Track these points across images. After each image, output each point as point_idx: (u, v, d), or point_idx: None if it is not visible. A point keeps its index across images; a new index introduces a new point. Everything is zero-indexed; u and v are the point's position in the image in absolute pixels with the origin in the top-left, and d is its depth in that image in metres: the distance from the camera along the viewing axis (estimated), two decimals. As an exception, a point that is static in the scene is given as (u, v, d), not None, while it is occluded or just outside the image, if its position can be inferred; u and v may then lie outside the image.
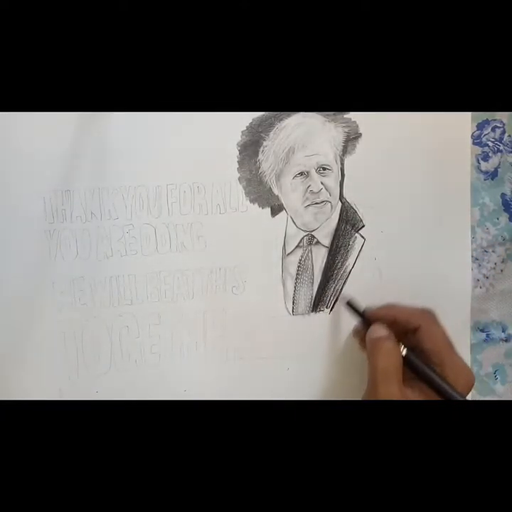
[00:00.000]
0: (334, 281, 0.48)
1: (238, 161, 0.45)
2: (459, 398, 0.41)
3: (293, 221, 0.47)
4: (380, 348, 0.42)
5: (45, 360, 0.44)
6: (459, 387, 0.41)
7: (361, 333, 0.45)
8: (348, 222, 0.48)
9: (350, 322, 0.48)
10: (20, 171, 0.42)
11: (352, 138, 0.47)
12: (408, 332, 0.44)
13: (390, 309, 0.45)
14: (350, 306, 0.46)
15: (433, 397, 0.42)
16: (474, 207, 0.49)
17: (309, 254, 0.47)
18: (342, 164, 0.47)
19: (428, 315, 0.44)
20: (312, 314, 0.48)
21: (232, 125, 0.45)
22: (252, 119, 0.45)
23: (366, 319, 0.45)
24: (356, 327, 0.47)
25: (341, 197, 0.47)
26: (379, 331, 0.43)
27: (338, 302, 0.47)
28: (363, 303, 0.46)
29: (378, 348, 0.43)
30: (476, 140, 0.49)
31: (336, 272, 0.48)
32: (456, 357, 0.43)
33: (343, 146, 0.47)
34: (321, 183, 0.47)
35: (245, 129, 0.45)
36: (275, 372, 0.48)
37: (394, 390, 0.41)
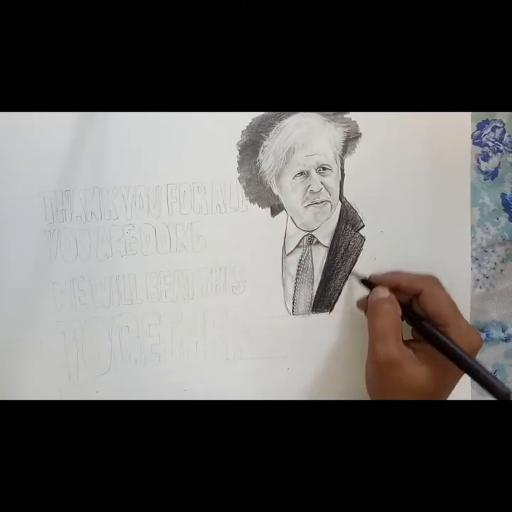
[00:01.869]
0: (334, 281, 0.48)
1: (238, 161, 0.45)
2: (465, 357, 0.41)
3: (293, 221, 0.47)
4: (379, 309, 0.43)
5: (45, 360, 0.44)
6: (464, 349, 0.41)
7: (365, 303, 0.45)
8: (348, 222, 0.48)
9: (350, 322, 0.48)
10: (20, 171, 0.42)
11: (352, 138, 0.47)
12: (412, 298, 0.44)
13: (394, 275, 0.45)
14: (360, 280, 0.46)
15: (438, 360, 0.41)
16: (474, 207, 0.49)
17: (309, 254, 0.47)
18: (342, 164, 0.47)
19: (431, 279, 0.44)
20: (312, 314, 0.48)
21: (232, 125, 0.45)
22: (252, 119, 0.45)
23: (371, 285, 0.45)
24: (360, 299, 0.47)
25: (341, 197, 0.47)
26: (380, 292, 0.44)
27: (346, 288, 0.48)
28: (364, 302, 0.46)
29: (377, 309, 0.43)
30: (476, 140, 0.49)
31: (335, 271, 0.48)
32: (461, 319, 0.43)
33: (343, 145, 0.47)
34: (321, 182, 0.47)
35: (245, 129, 0.45)
36: (275, 372, 0.48)
37: (392, 349, 0.41)
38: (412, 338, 0.45)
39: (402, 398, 0.41)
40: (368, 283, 0.46)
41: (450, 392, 0.44)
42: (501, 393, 0.40)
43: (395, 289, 0.44)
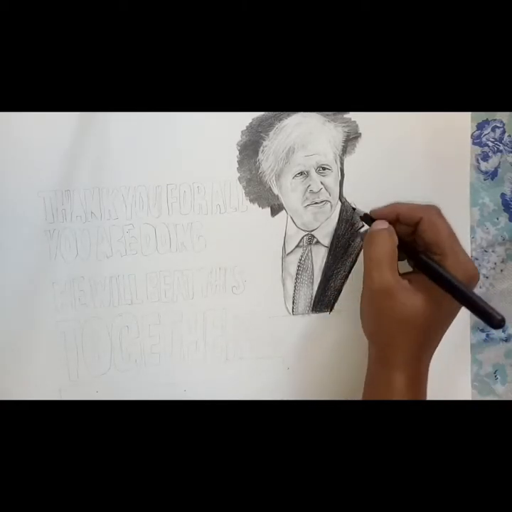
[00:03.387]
0: (334, 281, 0.48)
1: (238, 161, 0.45)
2: (461, 287, 0.40)
3: (293, 221, 0.47)
4: (376, 238, 0.42)
5: (45, 360, 0.44)
6: (460, 278, 0.41)
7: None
8: (348, 221, 0.48)
9: (350, 322, 0.48)
10: (20, 171, 0.42)
11: (352, 138, 0.47)
12: (413, 230, 0.43)
13: (393, 206, 0.45)
14: (360, 216, 0.46)
15: (432, 290, 0.41)
16: (474, 207, 0.49)
17: (309, 254, 0.47)
18: (342, 164, 0.47)
19: (431, 208, 0.43)
20: (312, 314, 0.48)
21: (232, 125, 0.45)
22: (252, 119, 0.45)
23: (372, 219, 0.45)
24: (363, 231, 0.46)
25: (341, 197, 0.47)
26: (378, 224, 0.43)
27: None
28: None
29: (374, 238, 0.42)
30: (476, 140, 0.49)
31: (335, 271, 0.48)
32: (459, 248, 0.42)
33: (343, 145, 0.47)
34: (321, 182, 0.47)
35: (245, 129, 0.45)
36: (275, 372, 0.48)
37: (387, 276, 0.41)
38: (408, 271, 0.44)
39: (394, 328, 0.41)
40: (369, 218, 0.45)
41: (446, 327, 0.43)
42: (496, 321, 0.39)
43: (395, 220, 0.44)
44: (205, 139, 0.44)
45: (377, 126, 0.47)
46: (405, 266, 0.44)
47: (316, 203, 0.47)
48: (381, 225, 0.43)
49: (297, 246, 0.47)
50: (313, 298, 0.48)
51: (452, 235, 0.42)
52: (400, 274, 0.42)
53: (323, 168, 0.46)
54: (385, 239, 0.42)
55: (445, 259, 0.41)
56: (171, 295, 0.46)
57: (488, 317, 0.39)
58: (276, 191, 0.46)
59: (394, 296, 0.41)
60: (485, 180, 0.49)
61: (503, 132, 0.49)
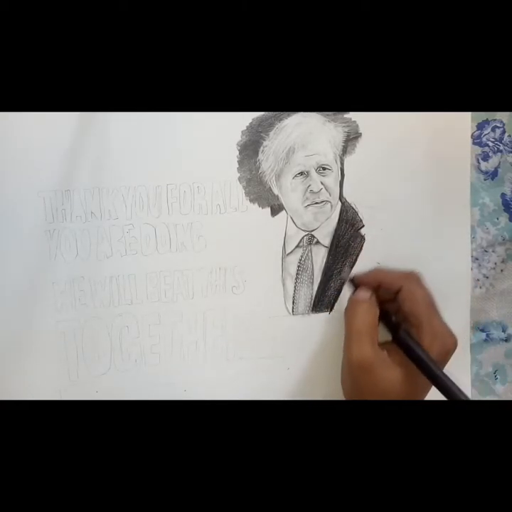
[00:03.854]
0: (334, 281, 0.48)
1: (238, 161, 0.45)
2: (433, 368, 0.40)
3: (293, 221, 0.47)
4: (356, 309, 0.43)
5: (45, 360, 0.44)
6: (435, 352, 0.41)
7: None
8: (348, 222, 0.48)
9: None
10: (20, 171, 0.42)
11: (352, 138, 0.47)
12: (393, 295, 0.44)
13: (377, 273, 0.45)
14: (347, 280, 0.46)
15: (410, 363, 0.41)
16: (474, 207, 0.49)
17: (309, 254, 0.47)
18: (342, 164, 0.47)
19: (411, 276, 0.44)
20: (312, 314, 0.48)
21: (232, 125, 0.45)
22: (252, 119, 0.45)
23: (355, 285, 0.45)
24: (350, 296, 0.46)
25: (341, 197, 0.47)
26: (360, 294, 0.44)
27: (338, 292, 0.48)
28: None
29: (355, 310, 0.43)
30: (476, 140, 0.49)
31: (336, 271, 0.48)
32: (436, 320, 0.42)
33: (343, 145, 0.47)
34: (321, 182, 0.47)
35: (245, 129, 0.45)
36: (275, 372, 0.48)
37: (366, 349, 0.41)
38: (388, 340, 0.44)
39: (373, 399, 0.41)
40: (351, 280, 0.46)
41: (425, 395, 0.43)
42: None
43: (376, 287, 0.44)
44: (205, 139, 0.44)
45: (377, 126, 0.47)
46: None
47: (316, 203, 0.47)
48: (363, 294, 0.43)
49: (297, 246, 0.47)
50: (313, 298, 0.48)
51: (431, 305, 0.43)
52: (380, 344, 0.42)
53: (324, 168, 0.46)
54: (365, 311, 0.43)
55: (421, 330, 0.42)
56: (171, 295, 0.46)
57: (455, 400, 0.40)
58: (276, 191, 0.46)
59: (372, 370, 0.41)
60: (485, 180, 0.49)
61: (503, 132, 0.49)
